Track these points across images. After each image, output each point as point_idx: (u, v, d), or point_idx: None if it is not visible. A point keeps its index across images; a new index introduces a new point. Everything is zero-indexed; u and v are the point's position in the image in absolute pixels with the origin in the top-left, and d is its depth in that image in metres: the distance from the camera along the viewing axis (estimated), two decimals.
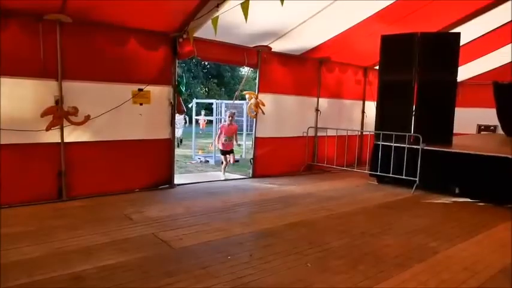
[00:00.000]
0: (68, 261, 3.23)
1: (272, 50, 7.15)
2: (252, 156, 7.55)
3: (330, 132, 8.17)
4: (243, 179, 7.40)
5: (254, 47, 6.95)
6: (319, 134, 8.39)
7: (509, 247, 3.99)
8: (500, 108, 9.80)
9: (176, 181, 6.37)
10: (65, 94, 4.97)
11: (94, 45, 5.18)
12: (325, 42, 7.34)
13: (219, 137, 7.83)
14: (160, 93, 5.90)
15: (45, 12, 4.65)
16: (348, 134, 8.18)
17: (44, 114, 4.79)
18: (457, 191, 6.30)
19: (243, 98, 11.16)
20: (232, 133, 7.80)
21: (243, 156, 10.95)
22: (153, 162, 5.97)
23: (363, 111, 9.66)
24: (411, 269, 3.33)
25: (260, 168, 7.50)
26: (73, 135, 5.15)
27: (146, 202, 5.25)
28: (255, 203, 5.50)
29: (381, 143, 7.07)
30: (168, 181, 6.19)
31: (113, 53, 5.35)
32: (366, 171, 7.51)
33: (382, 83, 7.15)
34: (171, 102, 6.03)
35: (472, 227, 4.68)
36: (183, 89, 6.75)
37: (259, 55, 7.08)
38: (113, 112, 5.39)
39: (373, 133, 7.50)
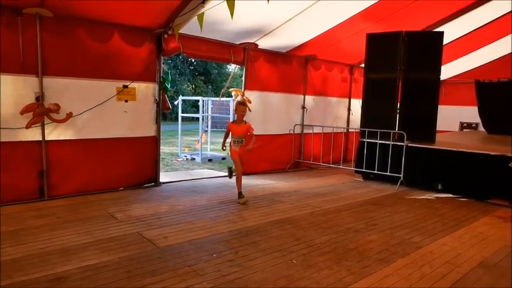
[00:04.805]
0: (50, 262, 3.17)
1: (258, 47, 7.13)
2: None
3: (316, 130, 8.22)
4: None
5: (240, 44, 6.92)
6: (305, 131, 8.42)
7: (488, 241, 4.10)
8: (482, 106, 10.05)
9: (161, 179, 6.31)
10: (46, 90, 4.86)
11: (76, 40, 5.06)
12: (311, 39, 7.36)
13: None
14: (145, 90, 5.83)
15: (25, 6, 4.52)
16: (334, 131, 8.25)
17: (24, 111, 4.67)
18: (440, 187, 6.43)
19: (230, 95, 11.11)
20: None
21: (229, 153, 10.90)
22: (137, 160, 5.89)
23: (349, 109, 9.73)
24: (394, 264, 3.39)
25: (246, 165, 7.45)
26: (55, 133, 5.04)
27: (131, 200, 5.19)
28: None
29: (366, 140, 7.15)
30: (153, 179, 6.13)
31: (96, 48, 5.25)
32: (352, 168, 7.58)
33: (367, 80, 7.23)
34: (156, 99, 5.97)
35: (453, 222, 4.78)
36: (169, 86, 6.68)
37: (246, 52, 7.06)
38: (96, 109, 5.31)
39: (358, 130, 7.57)
